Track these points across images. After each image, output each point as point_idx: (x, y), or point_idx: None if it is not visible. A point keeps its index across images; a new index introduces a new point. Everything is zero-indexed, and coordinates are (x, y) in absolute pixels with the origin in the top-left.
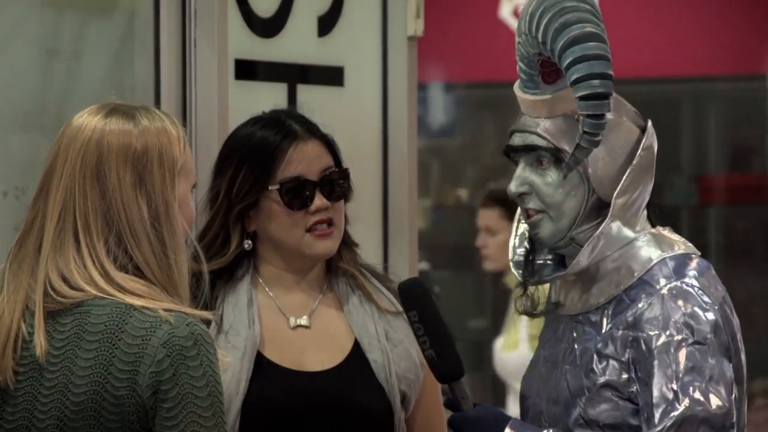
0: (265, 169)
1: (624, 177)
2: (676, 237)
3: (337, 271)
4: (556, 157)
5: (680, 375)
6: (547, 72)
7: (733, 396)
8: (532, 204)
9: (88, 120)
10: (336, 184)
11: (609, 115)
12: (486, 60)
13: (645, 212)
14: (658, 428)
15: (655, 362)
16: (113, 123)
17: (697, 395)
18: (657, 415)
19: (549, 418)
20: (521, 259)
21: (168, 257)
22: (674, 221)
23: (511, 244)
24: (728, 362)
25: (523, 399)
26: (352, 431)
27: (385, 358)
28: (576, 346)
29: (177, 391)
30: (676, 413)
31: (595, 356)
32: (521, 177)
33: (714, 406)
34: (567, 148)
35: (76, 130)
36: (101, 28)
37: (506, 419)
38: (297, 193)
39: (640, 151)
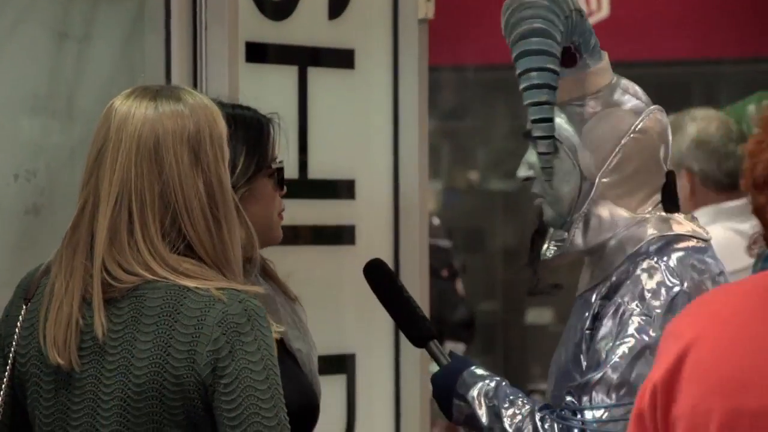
0: (264, 150)
1: (611, 157)
2: (686, 222)
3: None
4: (554, 145)
5: (616, 340)
6: None
7: None
8: (536, 189)
9: (135, 104)
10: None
11: (592, 107)
12: (497, 42)
13: (657, 197)
14: (581, 381)
15: (602, 325)
16: (164, 105)
17: (623, 360)
18: (585, 372)
19: (553, 392)
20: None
21: (222, 233)
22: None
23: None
24: None
25: (549, 379)
26: (291, 423)
27: (307, 348)
28: (572, 323)
29: (233, 366)
30: (599, 372)
31: (579, 334)
32: (526, 161)
33: (635, 375)
34: (566, 134)
35: (125, 115)
36: (112, 11)
37: (463, 368)
38: (282, 175)
39: (630, 133)
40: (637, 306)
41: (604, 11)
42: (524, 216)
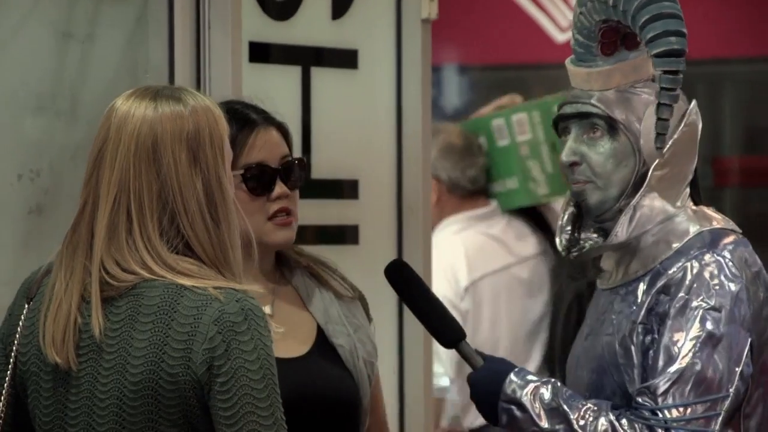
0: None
1: (665, 150)
2: (717, 215)
3: (290, 262)
4: (610, 125)
5: (688, 336)
6: (607, 43)
7: (740, 369)
8: (581, 176)
9: (135, 104)
10: (295, 172)
11: (648, 94)
12: (500, 42)
13: (687, 190)
14: (656, 380)
15: (669, 322)
16: (163, 106)
17: (698, 357)
18: (658, 369)
19: (591, 388)
20: (568, 236)
21: (221, 233)
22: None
23: (559, 224)
24: (744, 335)
25: (569, 372)
26: (326, 416)
27: (351, 343)
28: (613, 317)
29: (229, 365)
30: (672, 369)
31: (629, 326)
32: (572, 147)
33: (711, 371)
34: (620, 117)
35: (125, 115)
36: (115, 11)
37: (508, 370)
38: (259, 179)
39: (682, 126)
40: (704, 301)
41: None
42: None
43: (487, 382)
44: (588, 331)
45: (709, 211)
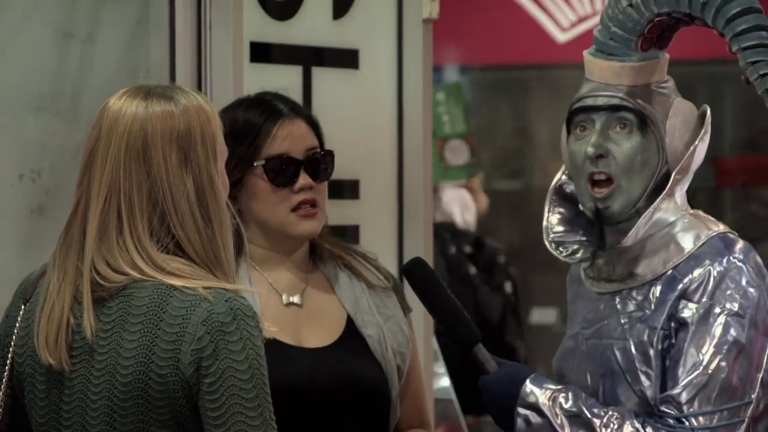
0: (251, 146)
1: (687, 154)
2: (711, 218)
3: (322, 253)
4: (641, 120)
5: (713, 342)
6: (649, 38)
7: (761, 375)
8: (605, 167)
9: (127, 104)
10: (321, 164)
11: (668, 93)
12: (501, 42)
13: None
14: (680, 388)
15: (692, 328)
16: (154, 105)
17: (723, 363)
18: (682, 376)
19: (600, 393)
20: (560, 238)
21: (214, 233)
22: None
23: (544, 224)
24: (764, 341)
25: (561, 377)
26: (352, 407)
27: (380, 333)
28: (623, 321)
29: (217, 365)
30: (699, 376)
31: (647, 331)
32: (599, 141)
33: (736, 378)
34: (650, 114)
35: (116, 114)
36: (116, 10)
37: (525, 376)
38: (282, 171)
39: (702, 132)
40: (728, 307)
41: None
42: (529, 216)
43: (503, 385)
44: (585, 336)
45: (703, 215)
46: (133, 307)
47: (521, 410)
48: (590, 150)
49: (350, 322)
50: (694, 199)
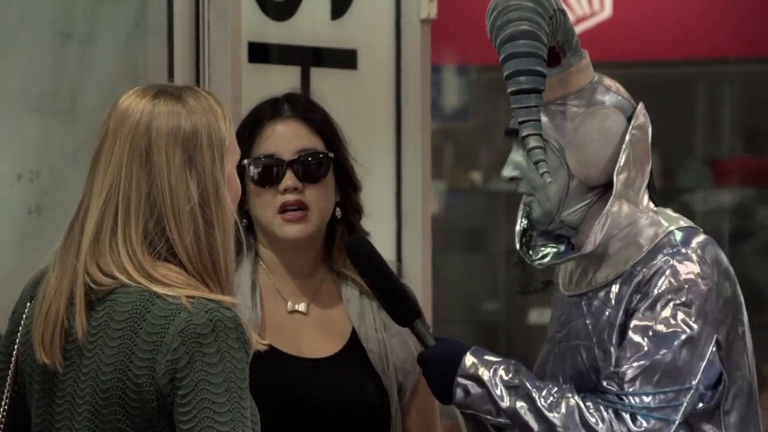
0: (246, 145)
1: (620, 154)
2: (677, 215)
3: (339, 266)
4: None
5: (659, 328)
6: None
7: (703, 364)
8: (523, 188)
9: (135, 103)
10: (310, 165)
11: (576, 106)
12: None
13: (647, 192)
14: (624, 367)
15: (640, 315)
16: (161, 105)
17: (667, 349)
18: (625, 359)
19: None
20: (530, 242)
21: (214, 238)
22: (688, 204)
23: (517, 230)
24: (711, 331)
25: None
26: (349, 420)
27: (382, 349)
28: (588, 321)
29: (191, 378)
30: (643, 358)
31: (607, 328)
32: (511, 161)
33: (680, 364)
34: (551, 133)
35: (123, 114)
36: (115, 11)
37: (466, 348)
38: (266, 170)
39: (631, 129)
40: (676, 296)
41: (607, 11)
42: None
43: (442, 357)
44: (559, 338)
45: (670, 212)
46: (116, 313)
47: (461, 380)
48: (503, 174)
49: (354, 335)
50: (691, 199)
